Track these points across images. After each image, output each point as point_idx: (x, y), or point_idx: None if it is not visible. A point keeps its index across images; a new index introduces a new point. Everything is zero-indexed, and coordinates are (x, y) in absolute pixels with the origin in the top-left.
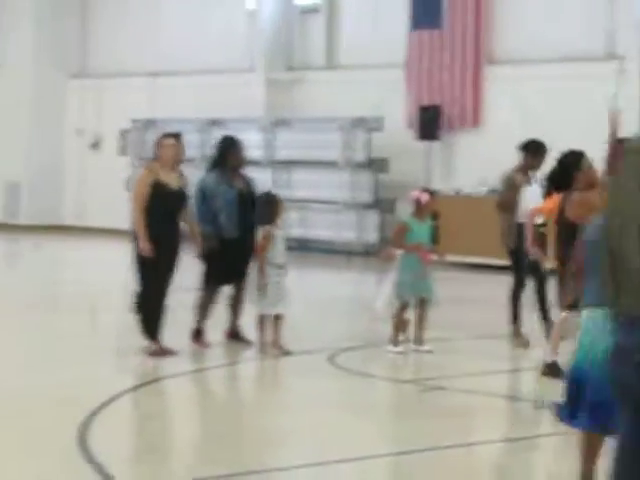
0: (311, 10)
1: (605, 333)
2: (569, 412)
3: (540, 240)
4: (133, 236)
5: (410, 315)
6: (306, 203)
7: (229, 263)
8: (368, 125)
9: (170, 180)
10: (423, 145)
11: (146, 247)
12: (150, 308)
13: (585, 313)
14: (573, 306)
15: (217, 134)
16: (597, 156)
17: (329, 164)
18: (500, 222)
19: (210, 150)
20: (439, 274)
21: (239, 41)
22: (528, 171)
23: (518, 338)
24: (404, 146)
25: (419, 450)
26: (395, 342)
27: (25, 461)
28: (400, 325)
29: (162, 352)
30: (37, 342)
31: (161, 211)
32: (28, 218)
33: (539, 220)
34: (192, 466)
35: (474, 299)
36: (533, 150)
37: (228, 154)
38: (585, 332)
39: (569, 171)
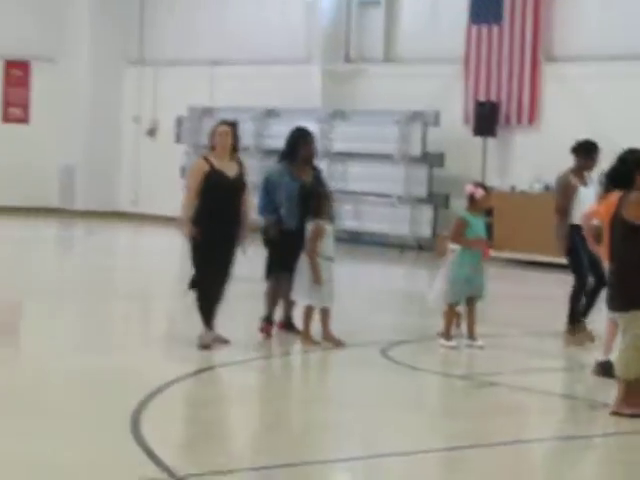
0: (371, 2)
1: None
2: None
3: (599, 240)
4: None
5: (460, 309)
6: (361, 196)
7: (290, 253)
8: (425, 119)
9: (226, 168)
10: (479, 141)
11: (190, 230)
12: (203, 296)
13: None
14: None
15: (273, 124)
16: None
17: (384, 157)
18: (556, 224)
19: (264, 139)
20: (494, 271)
21: (297, 32)
22: (582, 172)
23: (575, 337)
24: (460, 141)
25: (469, 446)
26: (448, 336)
27: (79, 446)
28: (452, 319)
29: (214, 341)
30: (90, 328)
31: (217, 199)
32: (83, 204)
33: (595, 222)
34: (243, 456)
35: (528, 296)
36: (585, 151)
37: (298, 146)
38: None
39: (630, 169)
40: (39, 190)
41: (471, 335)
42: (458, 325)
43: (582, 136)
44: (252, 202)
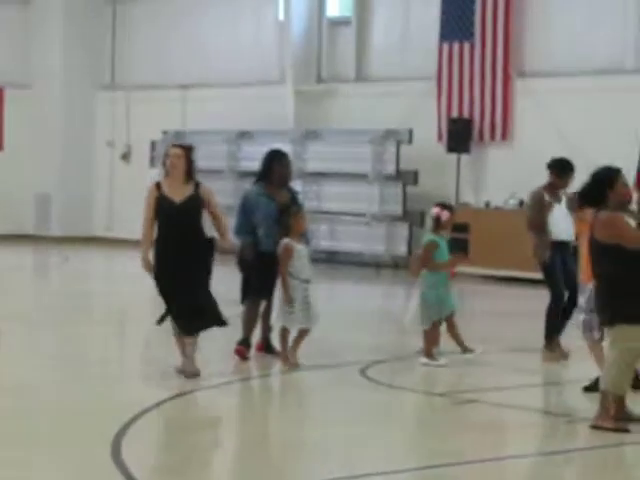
0: (341, 22)
1: None
2: None
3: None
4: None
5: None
6: (335, 215)
7: (265, 276)
8: (398, 137)
9: (174, 193)
10: (453, 158)
11: (146, 264)
12: (176, 326)
13: None
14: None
15: (246, 146)
16: (629, 172)
17: (359, 176)
18: (531, 239)
19: (238, 162)
20: (469, 287)
21: (269, 53)
22: (556, 189)
23: (552, 352)
24: (434, 158)
25: (449, 464)
26: (432, 356)
27: (59, 473)
28: (434, 339)
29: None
30: (68, 354)
31: (165, 226)
32: (59, 230)
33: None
34: (223, 479)
35: (504, 312)
36: (558, 169)
37: (273, 167)
38: None
39: (601, 189)
40: (14, 217)
41: (465, 349)
42: (437, 345)
43: (555, 151)
44: (225, 221)
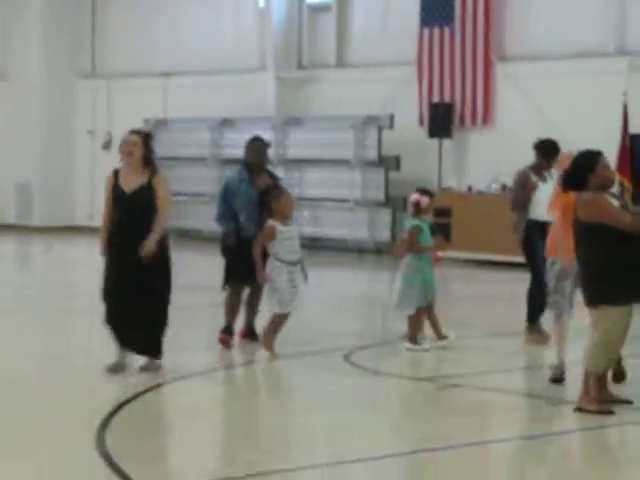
0: (321, 8)
1: None
2: None
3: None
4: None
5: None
6: (318, 202)
7: (247, 262)
8: (379, 123)
9: (127, 182)
10: (434, 142)
11: (102, 249)
12: (106, 314)
13: None
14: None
15: (229, 133)
16: (611, 155)
17: (341, 162)
18: (512, 218)
19: (221, 149)
20: (453, 271)
21: (250, 40)
22: (542, 170)
23: (534, 335)
24: (415, 143)
25: (435, 449)
26: (415, 341)
27: (43, 463)
28: (418, 324)
29: (119, 365)
30: (51, 343)
31: (118, 216)
32: (40, 220)
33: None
34: (210, 467)
35: (487, 296)
36: (545, 150)
37: (247, 153)
38: None
39: (582, 172)
40: None
41: (440, 335)
42: (421, 329)
43: (536, 135)
44: (163, 217)
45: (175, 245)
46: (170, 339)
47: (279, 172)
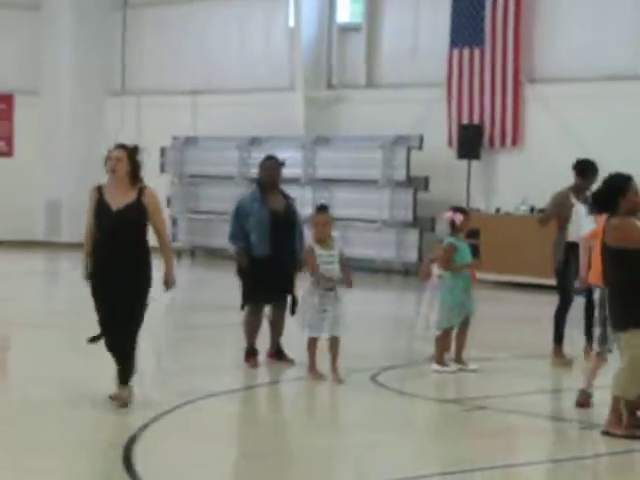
0: (351, 28)
1: None
2: None
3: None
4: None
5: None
6: (346, 221)
7: (263, 281)
8: (408, 143)
9: (115, 199)
10: (463, 164)
11: (85, 273)
12: (106, 346)
13: None
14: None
15: (257, 152)
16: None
17: (369, 182)
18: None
19: (249, 168)
20: (481, 293)
21: (279, 59)
22: (581, 190)
23: (560, 358)
24: (444, 164)
25: (461, 471)
26: (442, 362)
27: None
28: (446, 345)
29: (121, 399)
30: (79, 360)
31: (103, 235)
32: (69, 236)
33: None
34: None
35: (514, 318)
36: (580, 170)
37: (259, 172)
38: None
39: (612, 195)
40: (25, 223)
41: (459, 360)
42: (448, 350)
43: (565, 157)
44: (167, 240)
45: (202, 264)
46: (199, 358)
47: (307, 192)
